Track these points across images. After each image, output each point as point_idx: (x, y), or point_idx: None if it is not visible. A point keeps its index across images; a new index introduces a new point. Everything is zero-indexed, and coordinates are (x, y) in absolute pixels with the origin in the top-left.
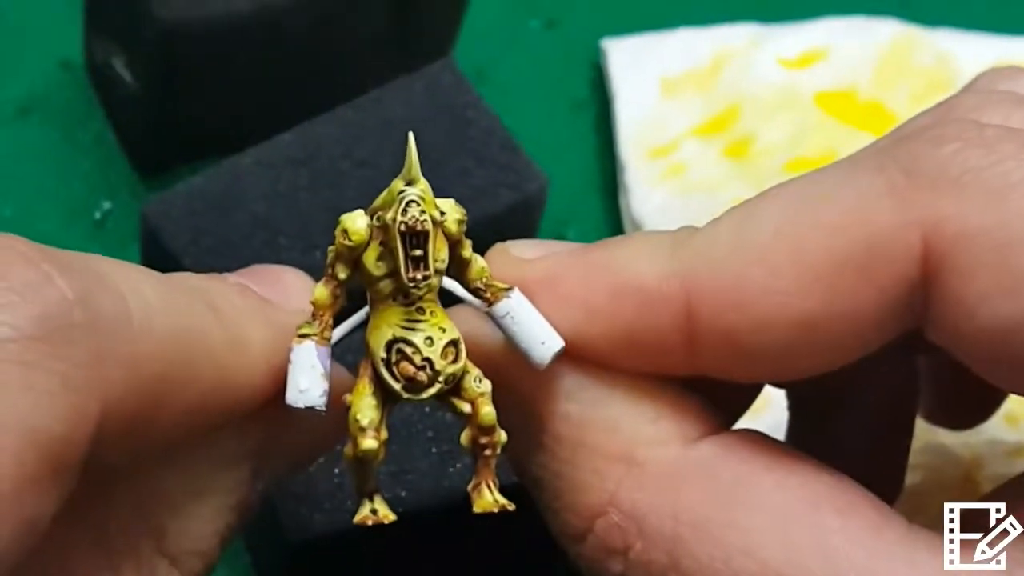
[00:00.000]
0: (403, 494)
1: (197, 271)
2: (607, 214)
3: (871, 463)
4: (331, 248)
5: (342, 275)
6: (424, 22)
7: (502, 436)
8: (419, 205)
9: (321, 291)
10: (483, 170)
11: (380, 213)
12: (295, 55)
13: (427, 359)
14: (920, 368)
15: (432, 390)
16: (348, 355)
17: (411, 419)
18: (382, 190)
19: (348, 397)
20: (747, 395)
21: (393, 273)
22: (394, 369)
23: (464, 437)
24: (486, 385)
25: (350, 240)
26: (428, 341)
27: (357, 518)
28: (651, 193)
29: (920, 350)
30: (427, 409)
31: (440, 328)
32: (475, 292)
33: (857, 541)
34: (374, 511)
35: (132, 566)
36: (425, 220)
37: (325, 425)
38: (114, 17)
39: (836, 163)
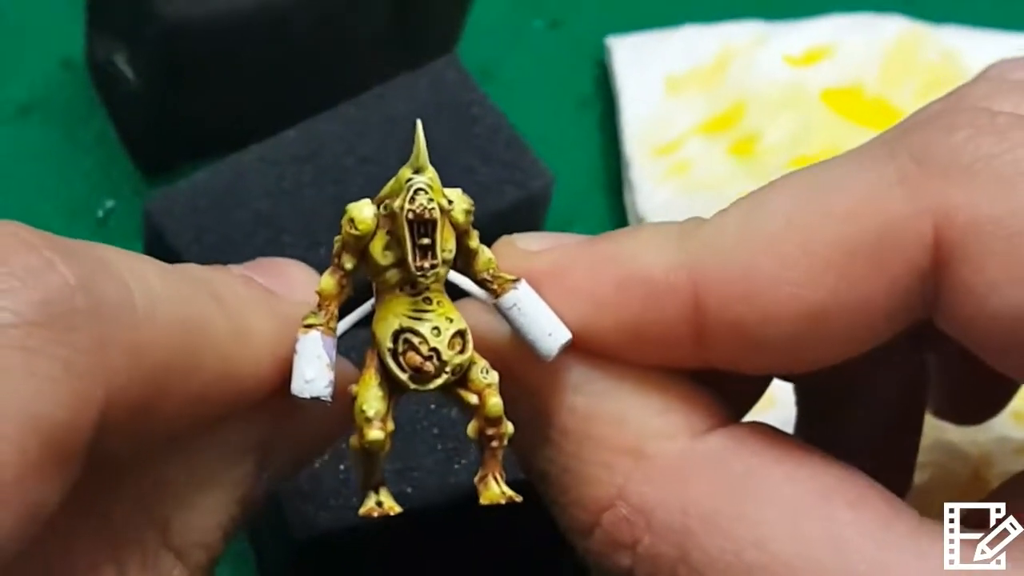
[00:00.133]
0: (409, 491)
1: None
2: (612, 212)
3: (879, 459)
4: (337, 238)
5: (348, 265)
6: (427, 20)
7: (509, 428)
8: (427, 193)
9: (327, 281)
10: (488, 167)
11: (387, 202)
12: (298, 53)
13: (434, 349)
14: (929, 363)
15: (439, 380)
16: (352, 353)
17: (417, 416)
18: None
19: (354, 388)
20: (755, 388)
21: (400, 262)
22: (401, 359)
23: (471, 429)
24: (493, 376)
25: (357, 229)
26: (435, 331)
27: (363, 510)
28: (656, 190)
29: (929, 344)
30: (432, 406)
31: (447, 318)
32: (482, 283)
33: (868, 533)
34: (380, 503)
35: (136, 558)
36: (433, 208)
37: (331, 417)
38: (116, 14)
39: (846, 153)
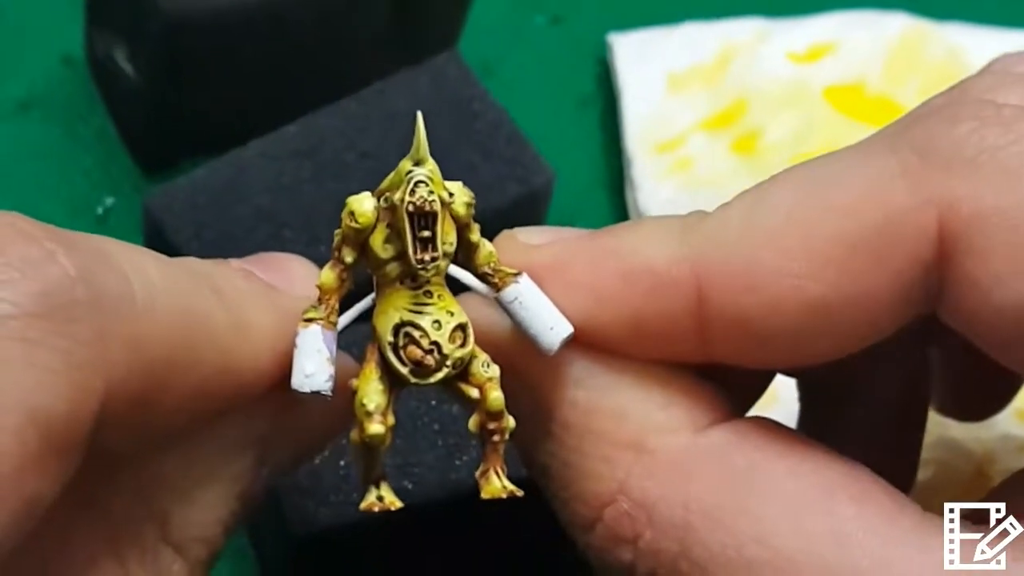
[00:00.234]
0: (409, 487)
1: None
2: (614, 209)
3: (883, 454)
4: (337, 231)
5: (349, 258)
6: (428, 17)
7: (510, 422)
8: (427, 185)
9: (327, 275)
10: (489, 163)
11: (388, 194)
12: (299, 50)
13: (435, 343)
14: (932, 358)
15: (440, 374)
16: (353, 348)
17: (417, 412)
18: None
19: (354, 382)
20: (758, 384)
21: (400, 255)
22: (401, 353)
23: (472, 423)
24: (494, 370)
25: (357, 222)
26: (436, 324)
27: (363, 504)
28: (658, 187)
29: (932, 338)
30: (433, 402)
31: (448, 312)
32: (483, 277)
33: (871, 529)
34: (380, 498)
35: (136, 552)
36: (434, 200)
37: (331, 411)
38: (117, 10)
39: (848, 147)
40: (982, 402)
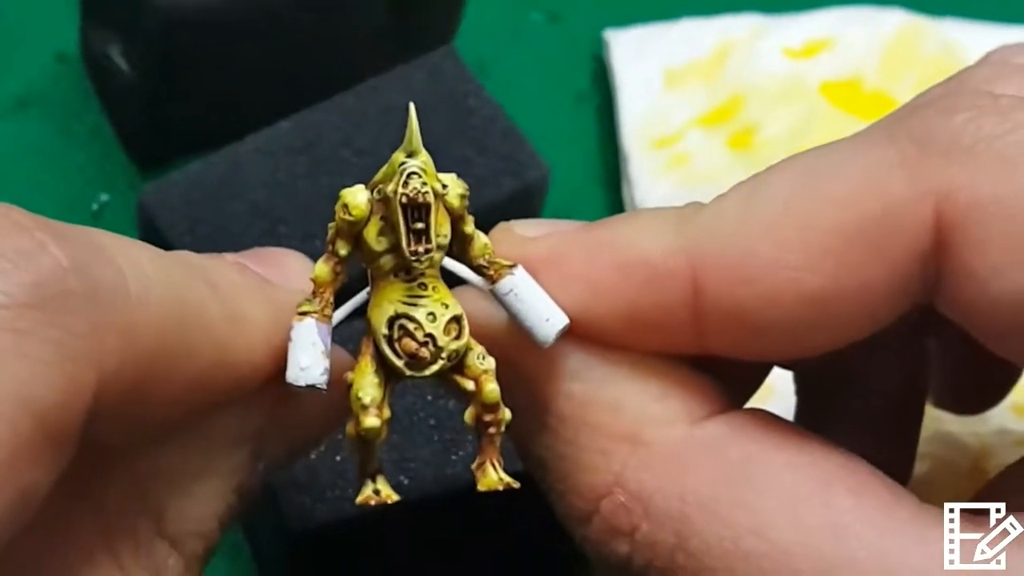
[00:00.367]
0: (406, 482)
1: None
2: (610, 206)
3: (880, 447)
4: (331, 224)
5: (343, 251)
6: (424, 14)
7: (506, 414)
8: (420, 177)
9: (321, 268)
10: (484, 158)
11: (381, 186)
12: (295, 46)
13: (429, 335)
14: (929, 350)
15: (435, 367)
16: (349, 344)
17: (414, 407)
18: None
19: (350, 375)
20: (754, 376)
21: (394, 248)
22: (396, 346)
23: (468, 415)
24: (490, 362)
25: (350, 215)
26: (430, 317)
27: (359, 499)
28: (655, 184)
29: (930, 330)
30: (429, 397)
31: (443, 304)
32: (478, 269)
33: (868, 521)
34: (377, 491)
35: (131, 546)
36: (427, 192)
37: (327, 405)
38: (112, 6)
39: (845, 138)
40: (979, 395)
